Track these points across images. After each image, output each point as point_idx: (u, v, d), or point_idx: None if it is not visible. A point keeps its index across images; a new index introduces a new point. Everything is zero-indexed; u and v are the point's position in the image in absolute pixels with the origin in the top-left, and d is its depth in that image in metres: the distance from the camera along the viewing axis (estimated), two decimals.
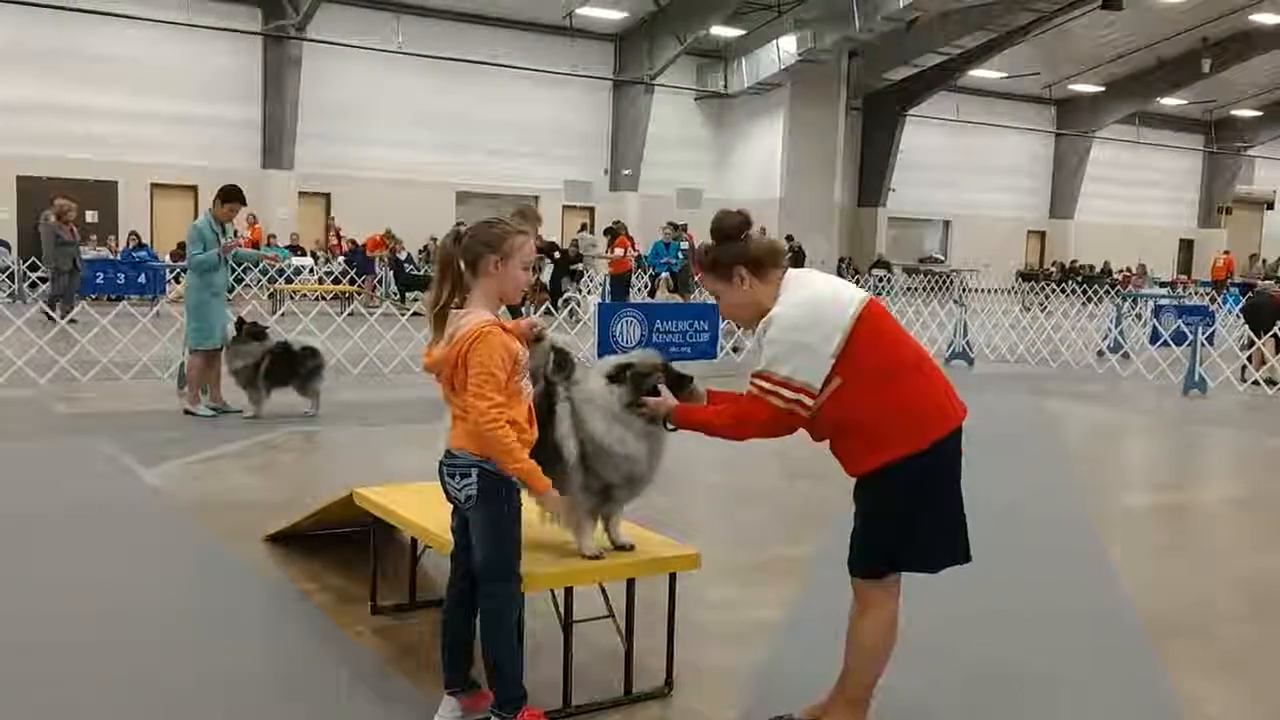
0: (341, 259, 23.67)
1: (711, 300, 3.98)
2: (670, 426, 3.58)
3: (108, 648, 4.23)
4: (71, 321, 13.31)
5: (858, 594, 3.49)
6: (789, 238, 30.38)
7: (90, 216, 23.33)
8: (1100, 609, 5.10)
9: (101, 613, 4.60)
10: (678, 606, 3.93)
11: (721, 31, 30.36)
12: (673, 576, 3.90)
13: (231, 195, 9.08)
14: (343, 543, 5.38)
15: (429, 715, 3.59)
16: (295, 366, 9.02)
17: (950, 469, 3.42)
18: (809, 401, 3.30)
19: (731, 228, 3.49)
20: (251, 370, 8.88)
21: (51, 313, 13.45)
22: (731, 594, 5.02)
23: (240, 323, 9.09)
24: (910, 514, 3.34)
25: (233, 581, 5.09)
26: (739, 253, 3.45)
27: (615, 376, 3.64)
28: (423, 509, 4.21)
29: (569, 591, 3.67)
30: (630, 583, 3.84)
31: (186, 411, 9.06)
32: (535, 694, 3.69)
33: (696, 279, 3.60)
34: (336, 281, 21.83)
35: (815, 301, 3.36)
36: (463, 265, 3.42)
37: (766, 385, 3.32)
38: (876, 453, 3.31)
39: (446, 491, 3.50)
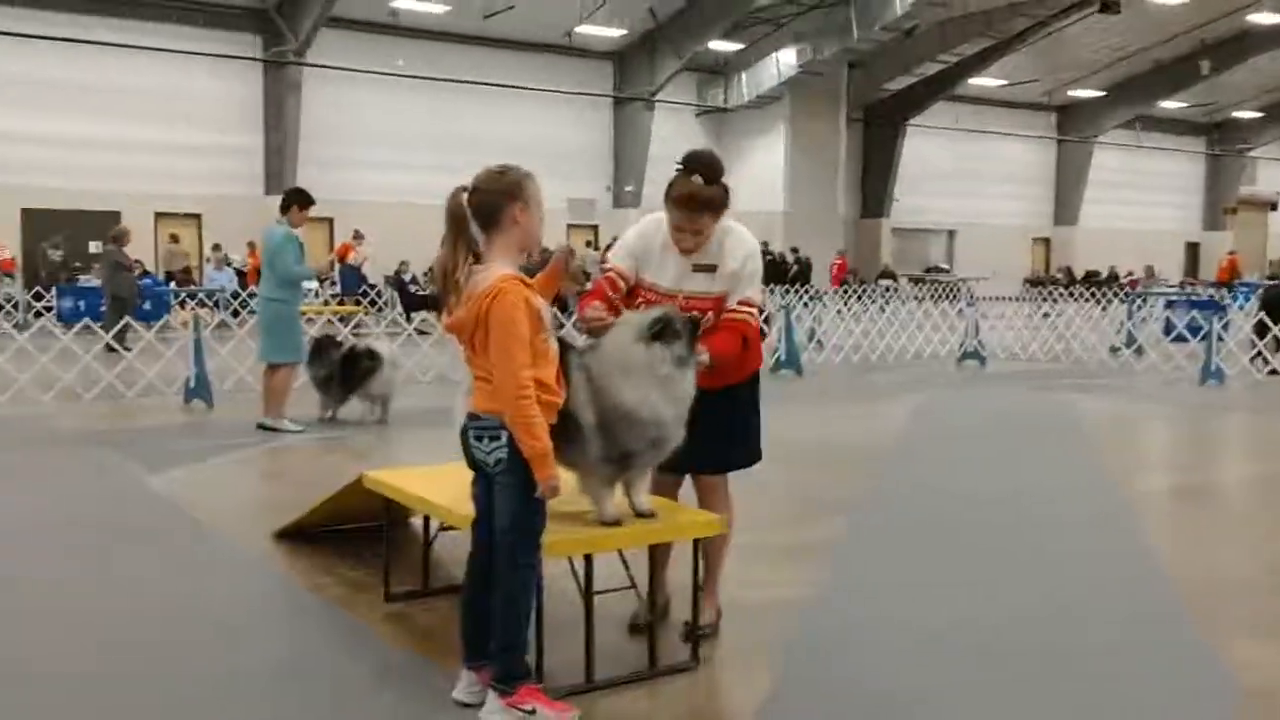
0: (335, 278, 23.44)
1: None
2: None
3: (123, 648, 4.09)
4: (124, 347, 12.71)
5: (716, 490, 4.03)
6: (794, 249, 30.36)
7: (94, 246, 23.26)
8: (1137, 579, 4.95)
9: (112, 613, 4.47)
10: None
11: (720, 46, 30.37)
12: (696, 550, 3.76)
13: (304, 200, 8.67)
14: (352, 536, 5.27)
15: (449, 694, 3.45)
16: (354, 369, 9.12)
17: None
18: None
19: (722, 169, 3.75)
20: (328, 378, 9.19)
21: (116, 345, 12.50)
22: (757, 574, 4.85)
23: (314, 340, 9.54)
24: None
25: (245, 578, 4.98)
26: (728, 192, 3.77)
27: (659, 334, 3.46)
28: (435, 487, 4.08)
29: (589, 560, 3.52)
30: (652, 555, 3.70)
31: (263, 427, 8.65)
32: (556, 669, 3.54)
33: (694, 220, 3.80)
34: (341, 302, 21.78)
35: None
36: (475, 221, 3.23)
37: (752, 309, 3.81)
38: (756, 363, 4.02)
39: (471, 455, 3.30)
